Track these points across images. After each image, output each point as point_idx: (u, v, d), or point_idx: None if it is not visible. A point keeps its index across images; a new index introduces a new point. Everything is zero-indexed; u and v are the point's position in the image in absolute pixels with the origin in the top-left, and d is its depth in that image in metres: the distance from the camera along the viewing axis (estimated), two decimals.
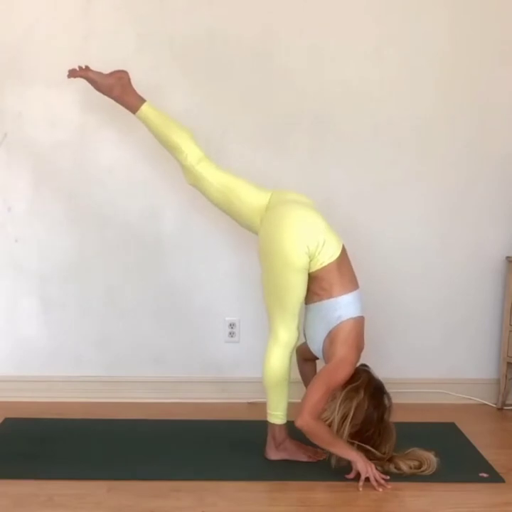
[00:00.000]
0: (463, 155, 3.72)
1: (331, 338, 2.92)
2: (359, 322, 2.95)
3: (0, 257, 3.68)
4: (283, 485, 2.85)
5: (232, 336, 3.76)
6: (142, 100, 3.10)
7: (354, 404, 2.83)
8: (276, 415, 3.00)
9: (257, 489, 2.81)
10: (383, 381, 2.95)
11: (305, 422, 2.83)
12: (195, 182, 3.13)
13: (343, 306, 2.92)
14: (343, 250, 2.99)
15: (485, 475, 2.94)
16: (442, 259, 3.76)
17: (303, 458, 3.01)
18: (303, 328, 3.05)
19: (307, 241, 2.89)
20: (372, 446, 2.85)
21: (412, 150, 3.70)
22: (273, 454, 3.02)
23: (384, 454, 2.86)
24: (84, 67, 3.16)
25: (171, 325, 3.74)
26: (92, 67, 3.20)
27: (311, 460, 3.01)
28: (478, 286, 3.79)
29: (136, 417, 3.49)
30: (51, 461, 3.00)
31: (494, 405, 3.77)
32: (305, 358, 3.20)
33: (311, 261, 2.90)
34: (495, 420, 3.65)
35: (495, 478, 2.93)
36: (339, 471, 2.87)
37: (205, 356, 3.75)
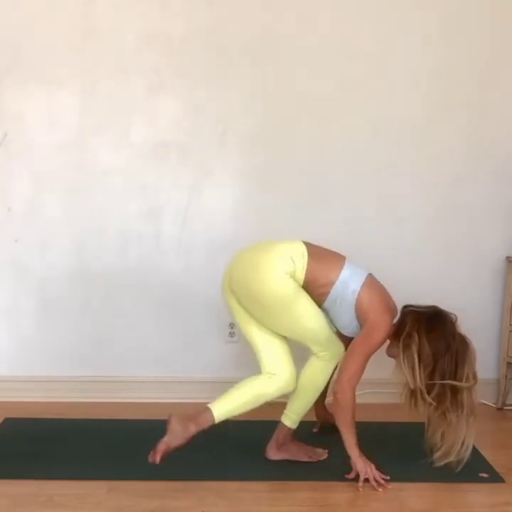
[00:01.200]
0: (462, 155, 3.72)
1: (358, 311, 2.90)
2: (372, 281, 2.95)
3: (0, 257, 3.68)
4: (283, 485, 2.85)
5: (232, 336, 3.76)
6: (207, 409, 2.88)
7: (414, 350, 2.81)
8: (292, 418, 3.00)
9: (257, 489, 2.81)
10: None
11: (342, 389, 2.83)
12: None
13: (349, 280, 2.90)
14: (305, 243, 2.97)
15: (485, 475, 2.94)
16: (442, 259, 3.76)
17: (303, 458, 3.01)
18: (331, 323, 3.00)
19: (282, 268, 2.87)
20: (451, 377, 2.80)
21: (412, 150, 3.70)
22: (273, 454, 3.02)
23: (467, 378, 2.82)
24: (159, 449, 2.79)
25: (171, 325, 3.74)
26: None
27: (311, 460, 3.01)
28: (478, 287, 3.79)
29: (136, 417, 3.49)
30: (51, 461, 3.00)
31: (494, 405, 3.77)
32: None
33: (294, 277, 2.88)
34: (495, 420, 3.65)
35: (495, 478, 2.93)
36: (339, 472, 2.87)
37: (205, 356, 3.75)
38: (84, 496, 2.71)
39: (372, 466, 2.83)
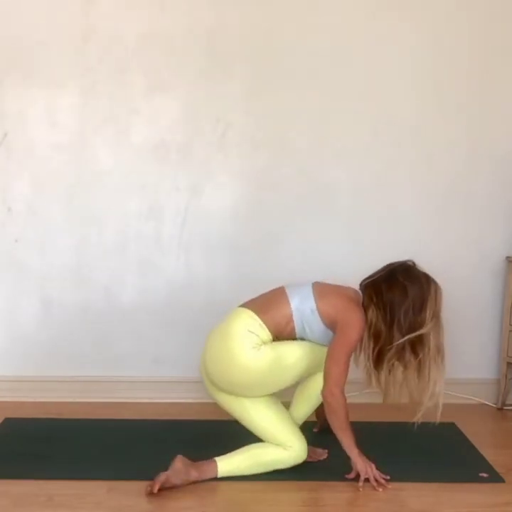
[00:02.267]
0: (462, 155, 3.72)
1: (329, 323, 2.86)
2: (320, 289, 2.91)
3: (0, 257, 3.68)
4: (283, 485, 2.84)
5: None
6: (213, 461, 2.82)
7: (368, 325, 2.81)
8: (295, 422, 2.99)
9: (257, 489, 2.80)
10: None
11: (331, 393, 2.80)
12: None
13: (302, 304, 2.88)
14: (245, 305, 2.94)
15: (485, 475, 2.94)
16: (442, 259, 3.75)
17: None
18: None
19: (249, 346, 2.82)
20: (411, 327, 2.77)
21: (412, 150, 3.70)
22: None
23: (429, 319, 2.79)
24: (159, 480, 2.71)
25: (170, 325, 3.74)
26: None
27: (311, 460, 3.00)
28: (478, 286, 3.79)
29: (136, 417, 3.49)
30: (51, 461, 2.99)
31: (494, 405, 3.77)
32: None
33: (263, 341, 2.85)
34: (495, 420, 3.65)
35: (495, 478, 2.92)
36: (339, 472, 2.87)
37: None
38: (84, 496, 2.71)
39: (373, 465, 2.82)
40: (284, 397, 2.99)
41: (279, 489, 2.82)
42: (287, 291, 2.94)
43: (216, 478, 2.81)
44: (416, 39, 3.62)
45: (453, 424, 3.43)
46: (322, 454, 3.03)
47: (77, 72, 3.57)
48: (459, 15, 3.63)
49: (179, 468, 2.77)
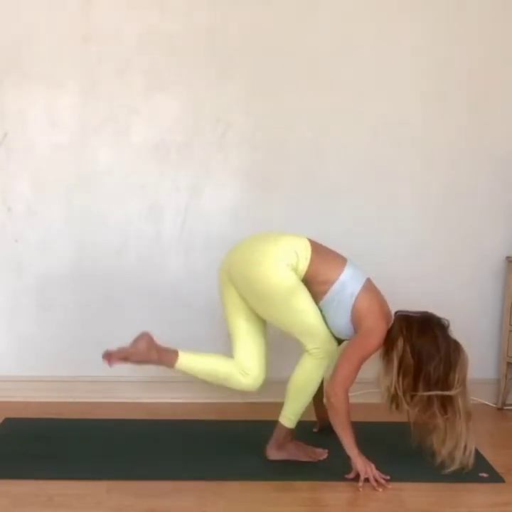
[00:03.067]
0: (462, 155, 3.72)
1: (355, 316, 2.87)
2: (370, 286, 2.93)
3: (0, 257, 3.68)
4: (283, 485, 2.84)
5: None
6: (175, 352, 2.96)
7: (394, 357, 2.80)
8: (290, 418, 2.98)
9: (257, 489, 2.80)
10: None
11: (335, 393, 2.81)
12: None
13: (349, 282, 2.89)
14: (309, 240, 2.95)
15: (485, 475, 2.94)
16: (442, 259, 3.77)
17: (303, 458, 3.01)
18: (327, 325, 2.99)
19: (285, 260, 2.85)
20: (439, 384, 2.77)
21: (412, 150, 3.71)
22: (273, 454, 3.01)
23: (457, 383, 2.79)
24: (119, 356, 2.90)
25: (171, 325, 3.73)
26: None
27: (311, 460, 3.01)
28: (478, 286, 3.79)
29: (135, 417, 3.49)
30: (51, 461, 2.99)
31: (494, 405, 3.78)
32: None
33: (296, 270, 2.87)
34: (495, 420, 3.66)
35: (495, 478, 2.93)
36: (339, 472, 2.87)
37: None
38: (84, 496, 2.71)
39: (372, 465, 2.82)
40: (280, 397, 3.00)
41: (279, 489, 2.82)
42: (348, 262, 2.95)
43: (217, 478, 2.82)
44: (416, 39, 3.63)
45: None
46: (322, 453, 3.03)
47: (77, 72, 3.57)
48: (459, 15, 3.63)
49: (142, 348, 2.85)
